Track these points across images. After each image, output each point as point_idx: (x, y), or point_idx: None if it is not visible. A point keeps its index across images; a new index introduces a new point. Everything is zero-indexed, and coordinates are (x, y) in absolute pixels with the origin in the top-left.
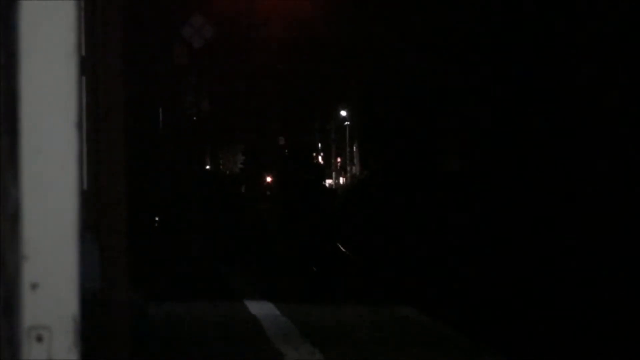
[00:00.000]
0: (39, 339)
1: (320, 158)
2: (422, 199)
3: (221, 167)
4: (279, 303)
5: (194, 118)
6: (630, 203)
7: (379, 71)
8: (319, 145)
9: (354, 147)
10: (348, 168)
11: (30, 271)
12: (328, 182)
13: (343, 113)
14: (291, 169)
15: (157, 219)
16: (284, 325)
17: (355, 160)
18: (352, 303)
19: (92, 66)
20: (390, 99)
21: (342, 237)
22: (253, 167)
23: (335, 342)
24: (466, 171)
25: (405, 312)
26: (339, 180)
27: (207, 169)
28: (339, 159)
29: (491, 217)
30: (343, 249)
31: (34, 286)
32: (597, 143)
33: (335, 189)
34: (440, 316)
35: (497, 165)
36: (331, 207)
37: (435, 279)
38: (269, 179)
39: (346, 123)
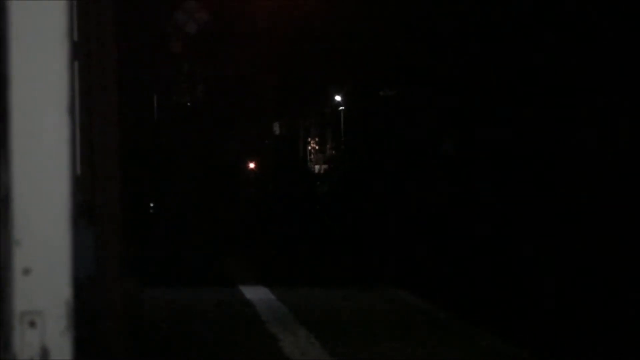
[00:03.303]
0: (32, 324)
1: (313, 143)
2: (413, 183)
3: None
4: (274, 288)
5: (188, 104)
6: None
7: (374, 55)
8: (309, 130)
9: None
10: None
11: (22, 256)
12: (323, 167)
13: (337, 98)
14: (272, 155)
15: (151, 205)
16: (279, 310)
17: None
18: (344, 286)
19: (85, 52)
20: (386, 83)
21: (329, 220)
22: (238, 153)
23: (329, 325)
24: (462, 155)
25: (397, 295)
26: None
27: (201, 155)
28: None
29: (483, 200)
30: (329, 232)
31: (26, 271)
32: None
33: (321, 173)
34: (432, 298)
35: (493, 149)
36: (314, 192)
37: (426, 262)
38: (252, 165)
39: (341, 108)
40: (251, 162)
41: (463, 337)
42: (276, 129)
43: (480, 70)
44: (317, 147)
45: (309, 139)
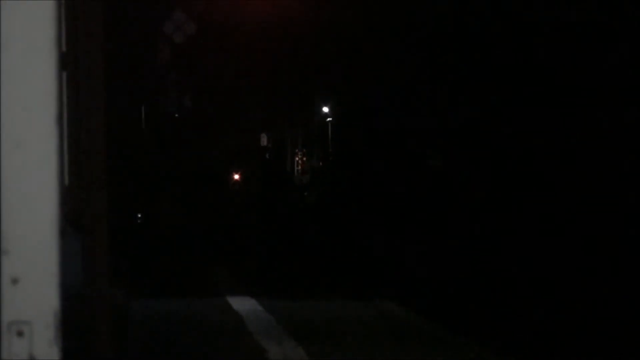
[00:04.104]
0: (20, 333)
1: (300, 154)
2: (402, 195)
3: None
4: (262, 299)
5: (176, 115)
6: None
7: (361, 68)
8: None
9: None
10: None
11: (10, 266)
12: (308, 178)
13: (325, 109)
14: (258, 166)
15: (139, 215)
16: (267, 321)
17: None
18: (333, 298)
19: (73, 62)
20: (372, 95)
21: (317, 232)
22: (226, 163)
23: (317, 337)
24: (450, 168)
25: (386, 307)
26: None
27: (188, 164)
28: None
29: (472, 212)
30: (317, 244)
31: (15, 281)
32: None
33: (308, 184)
34: (421, 310)
35: (481, 161)
36: (301, 203)
37: (415, 274)
38: (236, 177)
39: (328, 119)
40: (236, 173)
41: (452, 348)
42: (264, 139)
43: (466, 81)
44: (304, 159)
45: (297, 150)
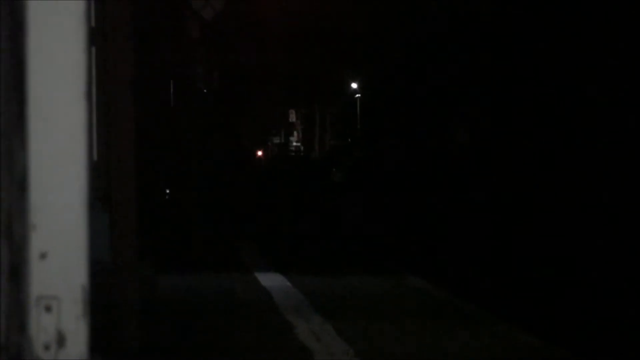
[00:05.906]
0: (48, 308)
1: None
2: (428, 170)
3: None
4: (290, 275)
5: (205, 91)
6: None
7: (388, 43)
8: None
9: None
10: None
11: (38, 240)
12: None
13: (354, 85)
14: (273, 143)
15: (167, 191)
16: (295, 297)
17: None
18: (361, 274)
19: (102, 37)
20: (398, 71)
21: (345, 208)
22: (255, 140)
23: (345, 313)
24: (476, 143)
25: (414, 282)
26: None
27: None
28: None
29: (499, 187)
30: (345, 220)
31: (43, 255)
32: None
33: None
34: (448, 285)
35: (507, 137)
36: (329, 179)
37: (441, 250)
38: (259, 153)
39: (357, 95)
40: (259, 150)
41: (480, 324)
42: (292, 116)
43: (495, 59)
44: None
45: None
